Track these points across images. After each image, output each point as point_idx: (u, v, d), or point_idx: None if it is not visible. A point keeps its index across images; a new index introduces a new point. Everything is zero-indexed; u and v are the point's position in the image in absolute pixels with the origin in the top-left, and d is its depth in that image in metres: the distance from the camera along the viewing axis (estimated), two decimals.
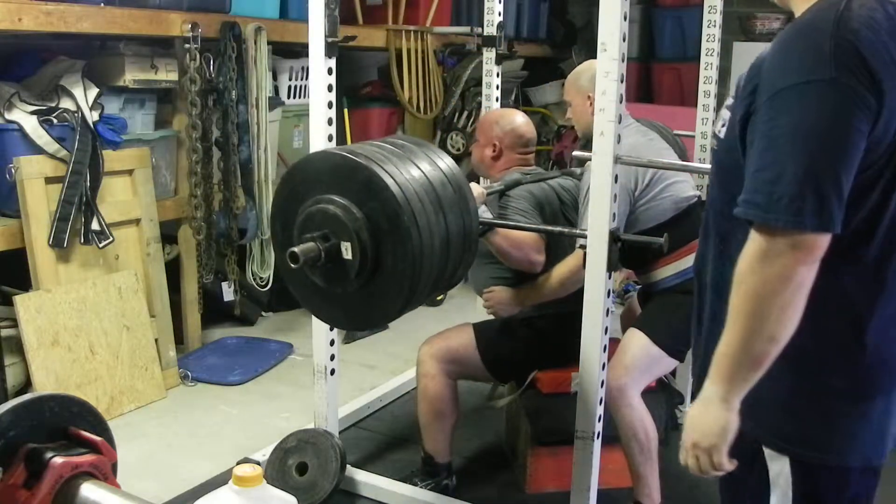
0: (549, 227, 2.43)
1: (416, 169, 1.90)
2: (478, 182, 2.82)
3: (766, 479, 1.37)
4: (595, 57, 2.03)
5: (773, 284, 1.21)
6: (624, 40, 1.97)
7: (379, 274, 1.84)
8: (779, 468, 1.36)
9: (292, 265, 1.82)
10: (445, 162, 2.02)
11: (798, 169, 1.18)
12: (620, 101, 2.00)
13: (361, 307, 1.92)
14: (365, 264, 1.83)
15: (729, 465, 1.33)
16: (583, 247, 2.23)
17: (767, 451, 1.37)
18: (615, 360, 2.41)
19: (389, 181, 1.80)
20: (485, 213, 2.40)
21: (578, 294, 2.17)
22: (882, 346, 1.32)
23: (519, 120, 2.80)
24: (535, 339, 2.63)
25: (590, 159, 2.08)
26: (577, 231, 2.24)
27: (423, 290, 1.88)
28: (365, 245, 1.81)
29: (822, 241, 1.20)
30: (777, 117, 1.21)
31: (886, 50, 1.19)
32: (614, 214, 2.05)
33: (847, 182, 1.19)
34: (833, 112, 1.18)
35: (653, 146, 2.60)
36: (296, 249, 1.81)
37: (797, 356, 1.29)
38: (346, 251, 1.82)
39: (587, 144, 2.75)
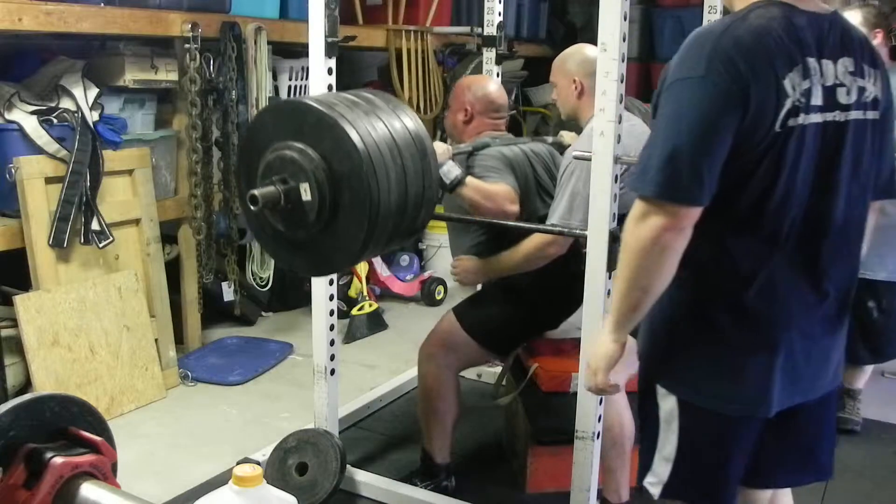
0: (548, 228, 2.41)
1: (373, 115, 1.92)
2: None
3: (658, 414, 1.60)
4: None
5: (642, 243, 1.44)
6: (624, 40, 1.97)
7: (338, 215, 1.86)
8: (669, 406, 1.58)
9: (252, 208, 1.84)
10: (407, 114, 2.02)
11: (664, 150, 1.41)
12: (620, 101, 2.00)
13: (324, 250, 1.93)
14: (324, 204, 1.84)
15: (609, 387, 1.60)
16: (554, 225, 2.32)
17: (660, 390, 1.59)
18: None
19: (341, 120, 1.82)
20: (454, 169, 2.40)
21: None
22: (762, 308, 1.50)
23: (491, 86, 2.80)
24: (512, 298, 2.63)
25: (589, 159, 2.07)
26: (577, 231, 2.24)
27: (384, 229, 1.89)
28: (322, 185, 1.83)
29: (683, 212, 1.41)
30: (663, 106, 1.45)
31: (767, 56, 1.39)
32: (614, 214, 2.05)
33: (708, 164, 1.39)
34: (698, 104, 1.39)
35: (635, 132, 2.58)
36: (255, 192, 1.83)
37: (689, 310, 1.54)
38: (305, 192, 1.84)
39: (563, 124, 2.75)
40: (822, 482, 1.74)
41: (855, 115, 1.49)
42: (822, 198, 1.48)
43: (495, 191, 2.45)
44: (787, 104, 1.40)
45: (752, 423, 1.57)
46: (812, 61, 1.43)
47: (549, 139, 2.81)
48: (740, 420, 1.56)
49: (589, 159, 2.08)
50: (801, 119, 1.42)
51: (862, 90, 1.50)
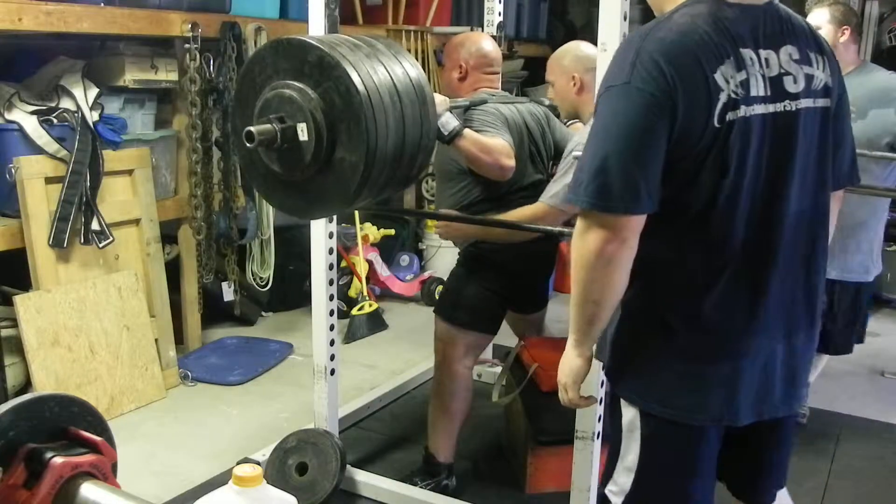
0: (548, 228, 2.41)
1: (374, 59, 1.90)
2: None
3: (620, 423, 1.58)
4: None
5: (586, 258, 1.42)
6: None
7: (334, 157, 1.84)
8: (630, 416, 1.56)
9: (248, 144, 1.81)
10: (409, 61, 1.99)
11: (593, 161, 1.38)
12: None
13: (318, 193, 1.91)
14: (320, 145, 1.82)
15: (580, 400, 1.61)
16: (546, 203, 2.39)
17: (623, 402, 1.57)
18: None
19: (342, 60, 1.79)
20: (452, 121, 2.38)
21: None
22: (719, 317, 1.46)
23: (484, 42, 2.80)
24: (480, 267, 2.66)
25: None
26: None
27: (380, 172, 1.87)
28: (320, 125, 1.81)
29: (622, 222, 1.38)
30: (595, 118, 1.43)
31: (692, 53, 1.36)
32: None
33: (641, 172, 1.36)
34: (624, 112, 1.37)
35: None
36: (252, 128, 1.80)
37: (646, 320, 1.51)
38: (302, 132, 1.82)
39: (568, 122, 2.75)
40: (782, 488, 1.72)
41: (805, 103, 1.45)
42: (774, 192, 1.44)
43: (492, 144, 2.43)
44: (722, 98, 1.36)
45: (716, 433, 1.54)
46: (748, 52, 1.39)
47: (546, 101, 2.80)
48: (705, 430, 1.52)
49: None
50: (743, 111, 1.37)
51: (810, 78, 1.46)
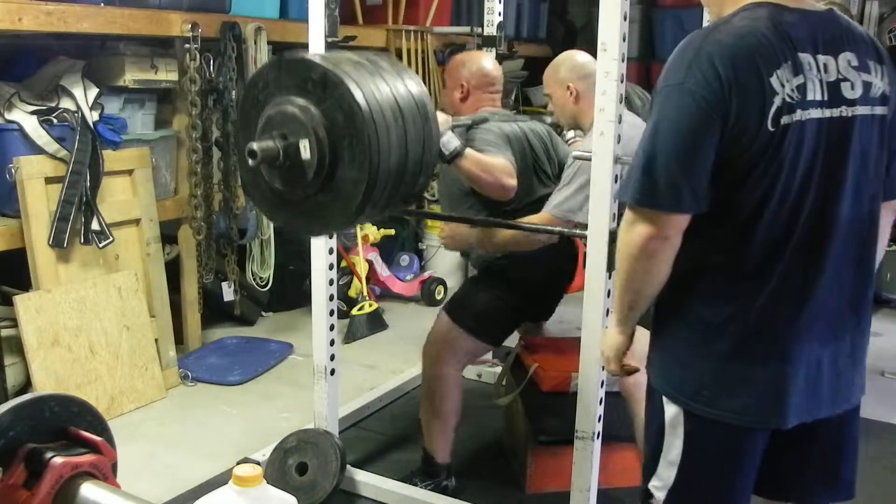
0: (549, 228, 2.41)
1: (378, 77, 1.89)
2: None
3: (663, 419, 1.59)
4: (595, 56, 2.02)
5: (629, 249, 1.47)
6: (624, 40, 1.97)
7: (336, 174, 1.83)
8: (673, 412, 1.57)
9: (250, 161, 1.81)
10: (410, 77, 1.99)
11: (643, 158, 1.43)
12: (620, 101, 2.00)
13: (320, 210, 1.91)
14: (323, 162, 1.81)
15: (622, 371, 1.68)
16: (551, 214, 2.38)
17: (665, 399, 1.58)
18: (629, 356, 2.41)
19: (346, 78, 1.79)
20: (453, 140, 2.38)
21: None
22: (767, 319, 1.47)
23: (485, 61, 2.81)
24: (499, 281, 2.64)
25: (589, 159, 2.07)
26: (577, 231, 2.24)
27: (382, 190, 1.86)
28: (322, 142, 1.80)
29: (665, 220, 1.42)
30: (651, 114, 1.46)
31: (750, 56, 1.38)
32: (614, 214, 2.05)
33: (686, 172, 1.39)
34: (675, 112, 1.40)
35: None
36: (254, 145, 1.80)
37: (694, 320, 1.53)
38: (305, 149, 1.81)
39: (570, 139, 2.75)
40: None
41: (862, 110, 1.46)
42: (827, 197, 1.44)
43: (494, 164, 2.43)
44: (777, 101, 1.37)
45: (762, 435, 1.54)
46: (805, 56, 1.41)
47: (548, 119, 2.80)
48: (750, 431, 1.53)
49: (589, 159, 2.08)
50: (798, 115, 1.39)
51: (868, 85, 1.47)
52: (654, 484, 1.63)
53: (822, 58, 1.43)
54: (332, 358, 2.63)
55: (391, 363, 3.87)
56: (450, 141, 2.36)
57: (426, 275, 4.93)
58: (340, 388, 2.77)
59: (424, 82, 4.71)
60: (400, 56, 4.60)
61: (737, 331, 1.49)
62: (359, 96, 1.77)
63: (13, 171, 2.99)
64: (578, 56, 2.58)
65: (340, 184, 1.83)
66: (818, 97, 1.41)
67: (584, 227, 2.12)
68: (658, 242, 1.43)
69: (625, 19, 1.95)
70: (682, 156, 1.39)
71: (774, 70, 1.38)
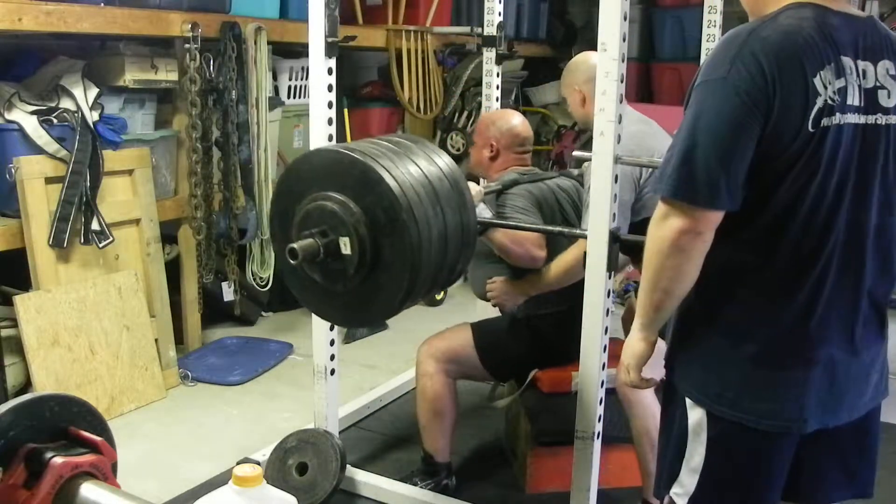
0: (549, 227, 2.43)
1: (412, 164, 1.91)
2: (477, 183, 2.83)
3: (686, 424, 1.56)
4: None
5: (660, 245, 1.43)
6: (624, 40, 1.97)
7: (378, 269, 1.84)
8: (697, 417, 1.54)
9: (291, 261, 1.82)
10: (443, 159, 2.02)
11: (681, 151, 1.40)
12: (620, 101, 2.00)
13: (361, 304, 1.92)
14: (364, 259, 1.82)
15: (641, 382, 1.62)
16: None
17: (688, 401, 1.56)
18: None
19: (385, 174, 1.80)
20: (484, 212, 2.40)
21: (578, 292, 2.17)
22: (794, 324, 1.46)
23: (515, 120, 2.81)
24: (533, 339, 2.63)
25: (589, 159, 2.07)
26: (578, 231, 2.24)
27: (423, 284, 1.88)
28: (363, 239, 1.81)
29: (699, 214, 1.39)
30: (689, 107, 1.44)
31: (795, 54, 1.36)
32: (614, 215, 2.05)
33: (725, 168, 1.37)
34: (718, 107, 1.38)
35: (656, 135, 2.59)
36: (294, 245, 1.81)
37: (720, 322, 1.50)
38: (345, 246, 1.82)
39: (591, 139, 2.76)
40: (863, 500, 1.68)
41: (895, 119, 1.45)
42: (859, 203, 1.44)
43: (524, 236, 2.45)
44: (819, 103, 1.36)
45: (787, 439, 1.52)
46: (847, 60, 1.40)
47: (576, 172, 2.81)
48: (775, 436, 1.51)
49: (588, 159, 2.08)
50: (837, 118, 1.38)
51: None
52: (675, 491, 1.60)
53: (861, 63, 1.42)
54: (332, 358, 2.63)
55: (391, 363, 3.87)
56: (481, 213, 2.37)
57: None
58: (340, 388, 2.77)
59: (424, 82, 4.73)
60: (400, 56, 4.60)
61: (766, 335, 1.47)
62: (398, 193, 1.78)
63: (13, 171, 2.99)
64: (591, 58, 2.56)
65: (382, 279, 1.85)
66: (856, 102, 1.41)
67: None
68: (691, 238, 1.41)
69: (625, 19, 1.95)
70: (723, 150, 1.37)
71: (818, 71, 1.37)
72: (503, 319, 2.68)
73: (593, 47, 2.05)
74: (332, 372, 2.64)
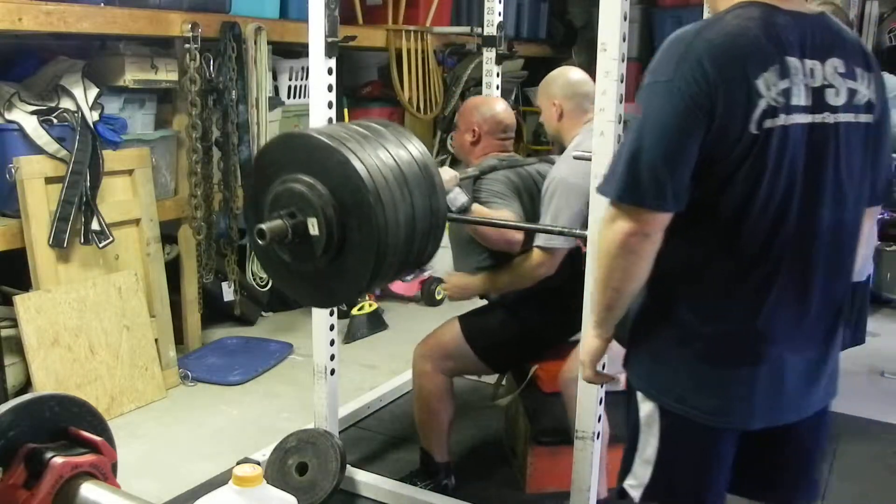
0: (550, 228, 2.42)
1: (381, 149, 1.92)
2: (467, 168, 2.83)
3: (638, 417, 1.59)
4: (595, 57, 2.02)
5: (609, 246, 1.45)
6: (624, 40, 1.97)
7: (345, 249, 1.86)
8: (648, 409, 1.58)
9: (260, 242, 1.85)
10: (413, 144, 2.02)
11: (627, 153, 1.41)
12: (620, 101, 2.00)
13: (330, 283, 1.94)
14: (331, 240, 1.84)
15: (596, 377, 1.67)
16: (539, 247, 2.38)
17: (640, 395, 1.59)
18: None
19: (353, 157, 1.82)
20: (460, 196, 2.41)
21: (561, 275, 2.18)
22: (741, 323, 1.48)
23: (499, 107, 2.81)
24: (520, 322, 2.62)
25: (589, 159, 2.07)
26: (578, 231, 2.24)
27: (390, 266, 1.89)
28: (330, 221, 1.83)
29: (646, 217, 1.40)
30: (637, 109, 1.44)
31: (738, 57, 1.37)
32: None
33: (669, 170, 1.38)
34: (661, 109, 1.39)
35: None
36: (263, 226, 1.83)
37: (671, 319, 1.52)
38: (313, 227, 1.84)
39: (562, 149, 2.75)
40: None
41: (845, 117, 1.45)
42: (809, 202, 1.44)
43: (500, 219, 2.46)
44: (762, 104, 1.36)
45: (732, 435, 1.55)
46: (793, 60, 1.40)
47: (555, 158, 2.81)
48: (721, 431, 1.54)
49: (589, 159, 2.08)
50: (782, 120, 1.38)
51: (853, 92, 1.46)
52: (629, 483, 1.62)
53: (808, 62, 1.42)
54: (332, 358, 2.63)
55: (391, 363, 3.87)
56: (456, 197, 2.39)
57: (426, 275, 4.93)
58: (340, 388, 2.77)
59: (424, 82, 4.73)
60: (400, 56, 4.60)
61: (713, 333, 1.49)
62: (364, 175, 1.81)
63: (13, 171, 3.00)
64: (572, 73, 2.60)
65: (349, 259, 1.86)
66: (802, 102, 1.40)
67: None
68: (639, 239, 1.42)
69: (625, 19, 1.95)
70: (668, 154, 1.38)
71: (761, 73, 1.37)
72: (489, 307, 2.70)
73: (593, 47, 2.05)
74: (332, 372, 2.64)
